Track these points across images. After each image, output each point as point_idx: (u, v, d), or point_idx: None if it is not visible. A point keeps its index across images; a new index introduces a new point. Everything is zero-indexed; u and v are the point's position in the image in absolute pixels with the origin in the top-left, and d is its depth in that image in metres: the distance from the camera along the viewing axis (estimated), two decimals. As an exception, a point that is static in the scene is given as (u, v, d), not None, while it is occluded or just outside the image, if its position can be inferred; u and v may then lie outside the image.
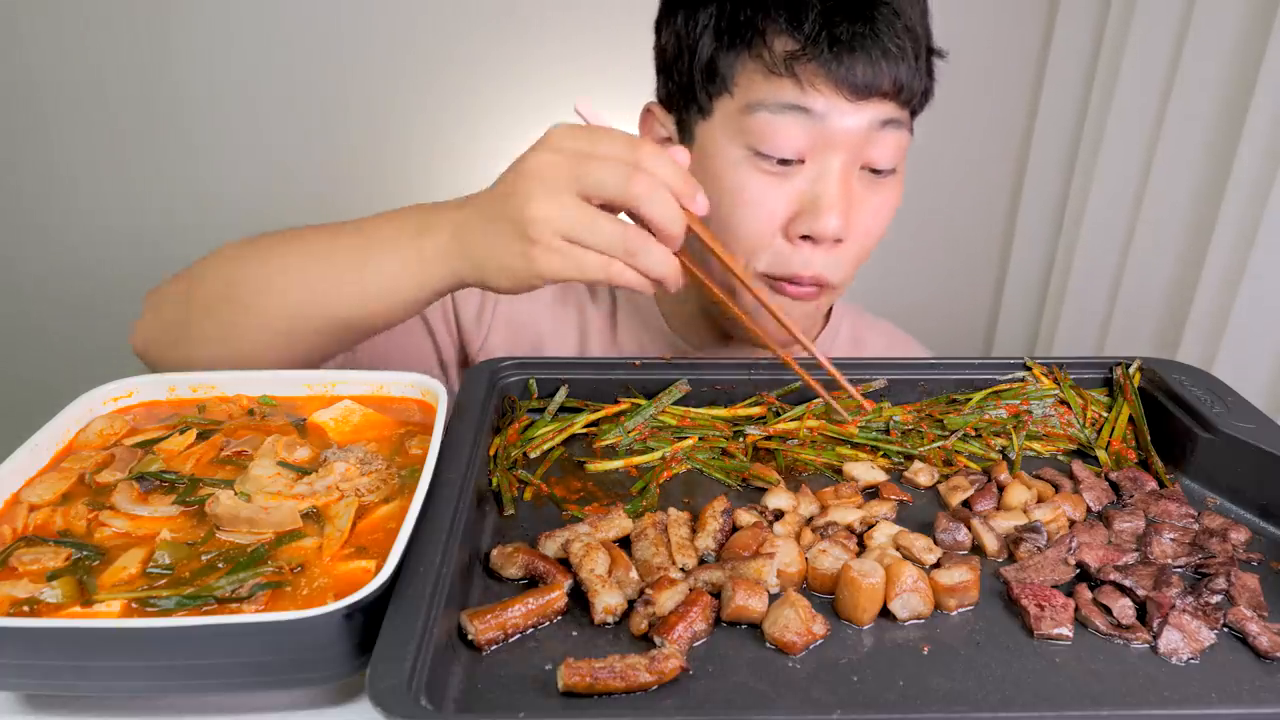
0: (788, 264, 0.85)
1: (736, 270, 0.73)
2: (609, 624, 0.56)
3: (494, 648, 0.54)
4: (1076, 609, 0.57)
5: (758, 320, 0.80)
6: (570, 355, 1.03)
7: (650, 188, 0.65)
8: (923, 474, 0.73)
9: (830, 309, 1.08)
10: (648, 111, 0.94)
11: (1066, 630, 0.55)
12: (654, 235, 0.67)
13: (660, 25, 0.90)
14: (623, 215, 0.69)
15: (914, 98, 0.83)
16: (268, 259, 0.79)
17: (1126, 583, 0.59)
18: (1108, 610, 0.57)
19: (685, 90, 0.87)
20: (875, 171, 0.84)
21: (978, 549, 0.64)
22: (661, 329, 1.03)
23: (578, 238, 0.66)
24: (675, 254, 0.69)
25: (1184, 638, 0.54)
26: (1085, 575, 0.61)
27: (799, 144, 0.81)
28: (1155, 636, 0.55)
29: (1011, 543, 0.64)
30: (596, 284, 0.72)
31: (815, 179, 0.82)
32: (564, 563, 0.60)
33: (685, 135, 0.90)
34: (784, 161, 0.82)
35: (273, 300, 0.78)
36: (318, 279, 0.77)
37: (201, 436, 0.69)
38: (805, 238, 0.83)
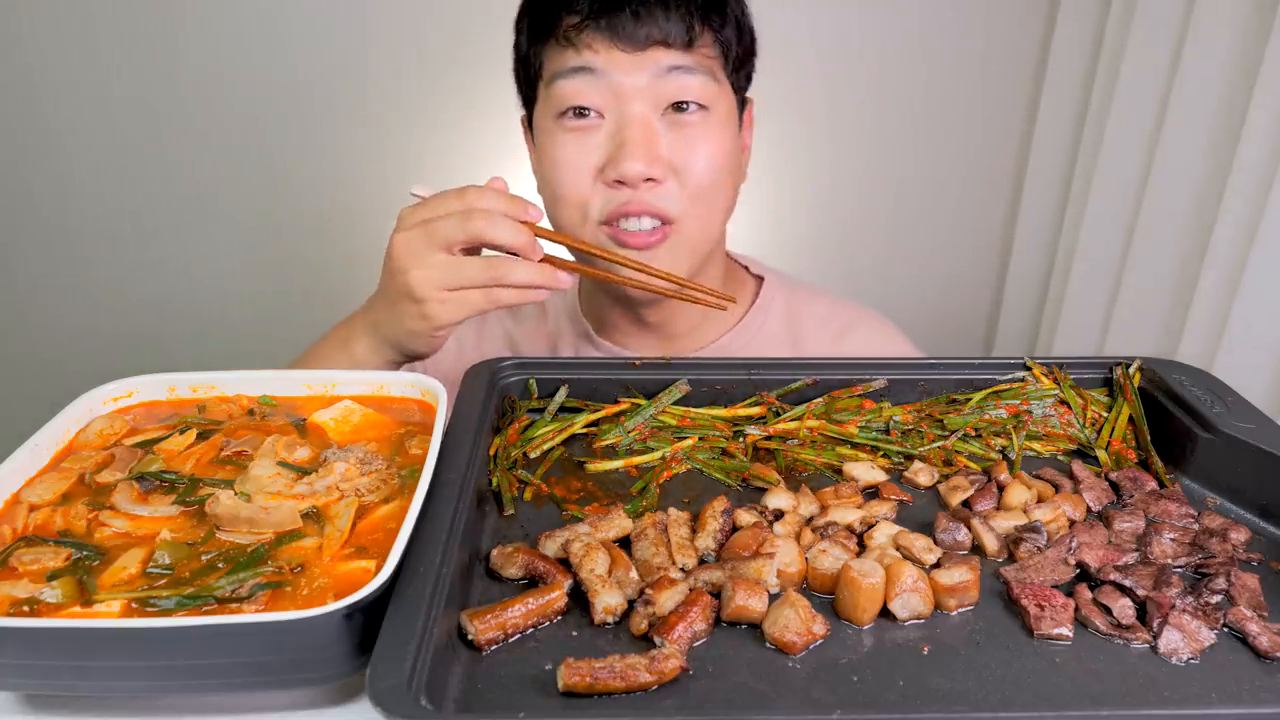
0: (613, 202, 0.90)
1: (585, 241, 0.87)
2: (609, 624, 0.56)
3: (494, 648, 0.54)
4: (1076, 609, 0.57)
5: (619, 271, 0.89)
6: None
7: (485, 219, 0.77)
8: (923, 474, 0.73)
9: (760, 285, 1.10)
10: (524, 126, 1.03)
11: (1066, 630, 0.55)
12: (516, 254, 0.79)
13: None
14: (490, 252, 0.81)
15: (695, 41, 0.88)
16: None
17: (1126, 583, 0.59)
18: (1108, 610, 0.57)
19: (524, 88, 0.98)
20: (680, 110, 0.90)
21: (978, 549, 0.64)
22: (588, 333, 1.09)
23: (454, 284, 0.78)
24: (548, 260, 0.80)
25: (1184, 638, 0.54)
26: (1085, 575, 0.61)
27: (590, 99, 0.89)
28: (1155, 636, 0.55)
29: (1011, 543, 0.64)
30: (486, 313, 0.83)
31: (615, 130, 0.89)
32: (564, 563, 0.60)
33: (531, 130, 1.00)
34: (580, 114, 0.90)
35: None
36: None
37: (201, 436, 0.69)
38: (619, 182, 0.89)
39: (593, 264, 0.89)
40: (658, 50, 0.87)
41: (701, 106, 0.90)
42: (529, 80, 0.96)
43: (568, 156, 0.91)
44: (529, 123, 1.00)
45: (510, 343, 1.12)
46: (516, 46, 0.97)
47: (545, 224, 0.84)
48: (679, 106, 0.90)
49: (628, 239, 0.91)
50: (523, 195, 0.81)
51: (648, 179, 0.88)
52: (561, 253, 0.87)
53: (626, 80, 0.88)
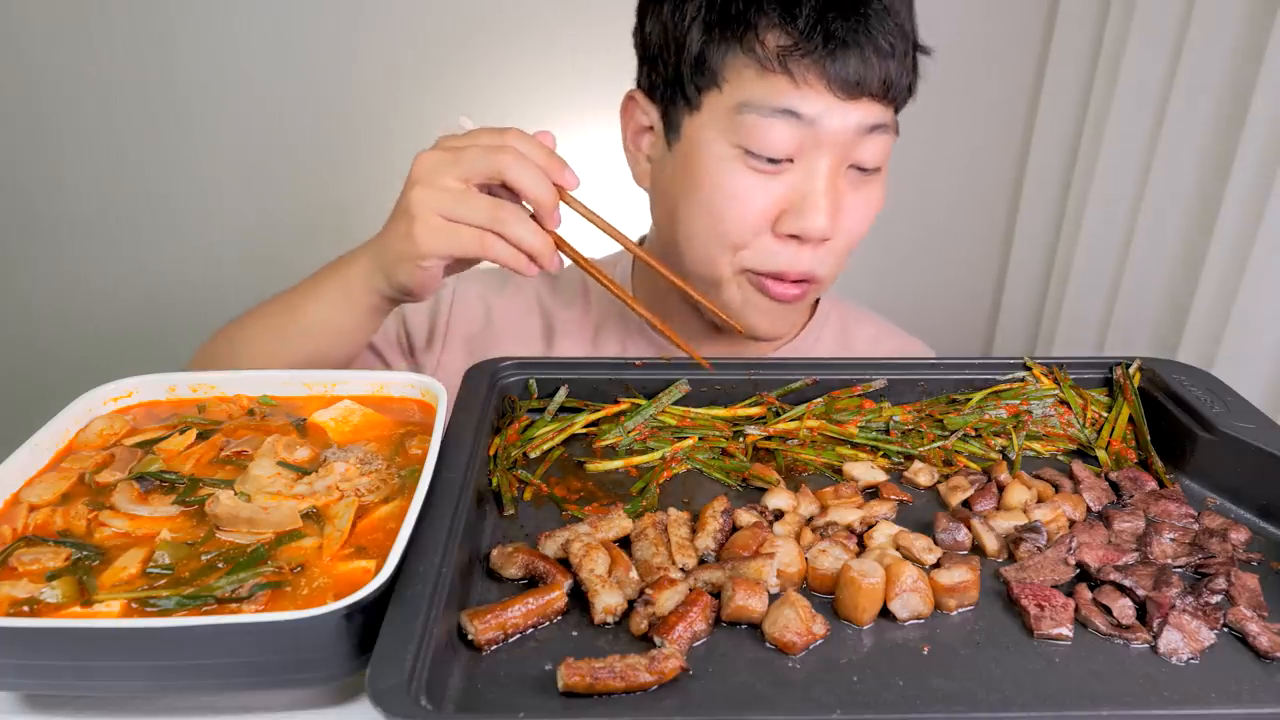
0: (775, 260, 0.86)
1: (626, 244, 0.80)
2: (609, 624, 0.56)
3: (494, 648, 0.54)
4: (1076, 609, 0.57)
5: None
6: (535, 352, 1.04)
7: (515, 158, 0.72)
8: (923, 474, 0.73)
9: (816, 302, 1.08)
10: (630, 99, 0.94)
11: (1066, 630, 0.55)
12: (533, 211, 0.74)
13: (644, 12, 0.90)
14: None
15: (900, 95, 0.84)
16: (246, 339, 0.88)
17: (1126, 583, 0.59)
18: (1108, 610, 0.57)
19: (671, 83, 0.87)
20: (861, 170, 0.85)
21: (978, 549, 0.64)
22: (640, 326, 1.02)
23: (453, 214, 0.73)
24: (551, 234, 0.75)
25: (1184, 638, 0.54)
26: (1085, 575, 0.61)
27: (789, 146, 0.82)
28: (1155, 636, 0.55)
29: (1011, 543, 0.64)
30: (472, 256, 0.76)
31: (803, 178, 0.83)
32: (564, 563, 0.60)
33: (670, 126, 0.90)
34: (773, 161, 0.83)
35: (281, 351, 0.85)
36: (283, 336, 0.85)
37: (201, 436, 0.69)
38: (793, 236, 0.84)
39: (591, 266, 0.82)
40: (867, 102, 0.81)
41: (878, 168, 0.86)
42: (688, 74, 0.85)
43: (746, 196, 0.83)
44: (663, 109, 0.90)
45: (545, 321, 1.05)
46: (672, 29, 0.85)
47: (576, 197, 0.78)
48: (861, 168, 0.85)
49: (771, 289, 0.87)
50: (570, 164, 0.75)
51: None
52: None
53: (831, 131, 0.81)
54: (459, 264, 0.79)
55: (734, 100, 0.82)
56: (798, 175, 0.83)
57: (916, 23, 0.87)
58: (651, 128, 0.93)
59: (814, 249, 0.85)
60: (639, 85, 0.93)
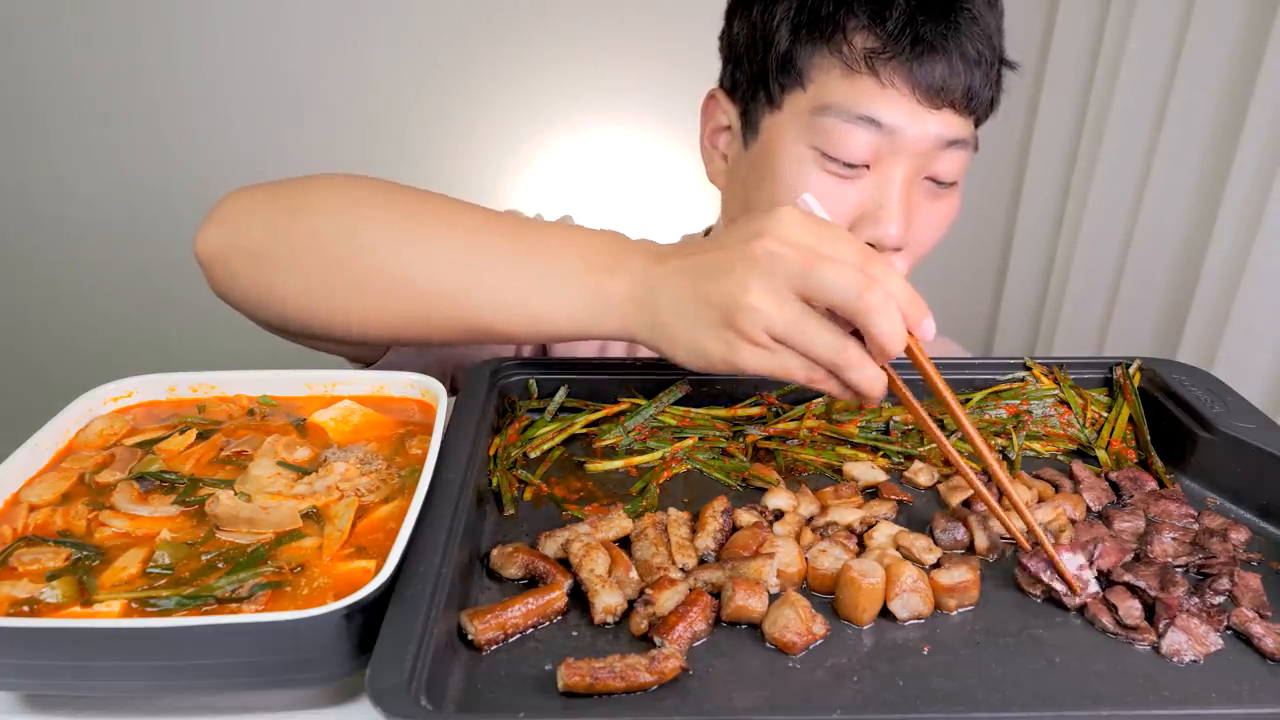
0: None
1: (956, 412, 0.63)
2: (609, 624, 0.56)
3: (494, 648, 0.54)
4: (1085, 606, 0.57)
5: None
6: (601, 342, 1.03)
7: (884, 301, 0.58)
8: (923, 474, 0.73)
9: None
10: (711, 98, 0.94)
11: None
12: (870, 350, 0.61)
13: (733, 14, 0.90)
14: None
15: (981, 107, 0.83)
16: (408, 235, 0.70)
17: (1139, 584, 0.59)
18: (1114, 610, 0.57)
19: (755, 80, 0.86)
20: (938, 183, 0.84)
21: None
22: None
23: (789, 339, 0.61)
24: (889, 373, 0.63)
25: (1189, 639, 0.54)
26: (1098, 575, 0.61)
27: (866, 152, 0.80)
28: (1160, 637, 0.55)
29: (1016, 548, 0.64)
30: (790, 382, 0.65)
31: (879, 186, 0.82)
32: (564, 563, 0.60)
33: (748, 125, 0.89)
34: (850, 165, 0.81)
35: (398, 283, 0.70)
36: (469, 280, 0.69)
37: (201, 436, 0.69)
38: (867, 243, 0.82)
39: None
40: (948, 113, 0.80)
41: (954, 183, 0.85)
42: (773, 72, 0.83)
43: (822, 199, 0.77)
44: (743, 107, 0.88)
45: None
46: (760, 28, 0.84)
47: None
48: (938, 180, 0.83)
49: None
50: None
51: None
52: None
53: (911, 140, 0.79)
54: None
55: (817, 101, 0.81)
56: (873, 182, 0.82)
57: (1004, 38, 0.85)
58: (729, 127, 0.93)
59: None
60: (720, 85, 0.94)
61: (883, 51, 0.78)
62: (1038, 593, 0.59)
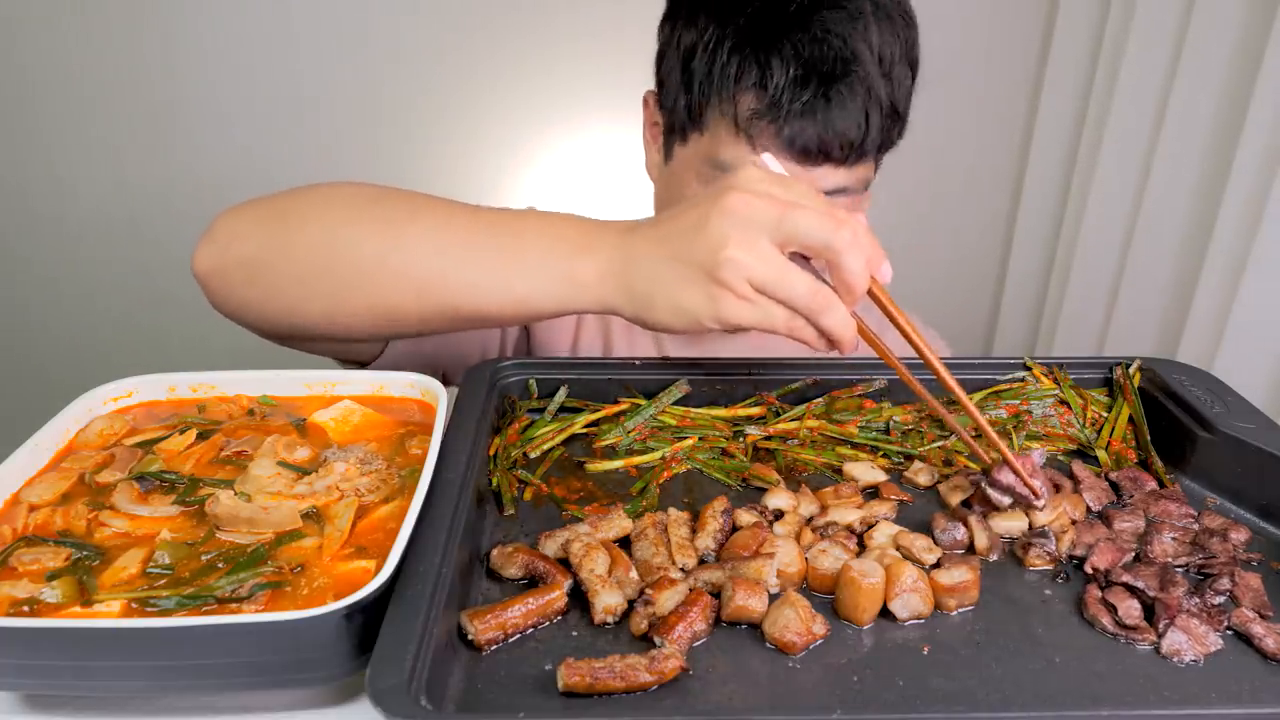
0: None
1: (917, 342, 0.67)
2: (609, 624, 0.56)
3: (494, 648, 0.54)
4: (1084, 608, 0.57)
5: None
6: (595, 336, 1.05)
7: (854, 239, 0.61)
8: (923, 474, 0.73)
9: None
10: (645, 103, 0.97)
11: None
12: (838, 291, 0.64)
13: (662, 40, 0.92)
14: None
15: (867, 155, 0.85)
16: (389, 231, 0.72)
17: (1138, 584, 0.59)
18: (1114, 610, 0.57)
19: (670, 109, 0.90)
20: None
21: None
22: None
23: (766, 288, 0.63)
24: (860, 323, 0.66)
25: (1189, 640, 0.54)
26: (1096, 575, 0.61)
27: None
28: (1160, 637, 0.55)
29: (1020, 548, 0.64)
30: (771, 333, 0.67)
31: None
32: (564, 563, 0.60)
33: (667, 144, 0.93)
34: None
35: (384, 276, 0.72)
36: (451, 268, 0.71)
37: (201, 436, 0.69)
38: None
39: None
40: (827, 168, 0.82)
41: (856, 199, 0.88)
42: (687, 111, 0.86)
43: None
44: (666, 129, 0.92)
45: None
46: (679, 66, 0.86)
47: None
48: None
49: None
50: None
51: None
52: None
53: None
54: None
55: (710, 152, 0.85)
56: None
57: (907, 82, 0.86)
58: (657, 124, 0.96)
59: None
60: (656, 90, 0.96)
61: (763, 115, 0.80)
62: (1008, 502, 0.65)
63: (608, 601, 0.56)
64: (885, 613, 0.57)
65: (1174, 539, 0.64)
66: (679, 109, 0.88)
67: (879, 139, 0.84)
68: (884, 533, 0.64)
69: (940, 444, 0.76)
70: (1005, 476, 0.65)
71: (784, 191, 0.63)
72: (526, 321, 0.77)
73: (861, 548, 0.64)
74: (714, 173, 0.84)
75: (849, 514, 0.66)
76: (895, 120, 0.86)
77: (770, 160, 0.68)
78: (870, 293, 0.65)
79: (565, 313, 0.71)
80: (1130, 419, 0.78)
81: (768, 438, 0.77)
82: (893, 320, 0.66)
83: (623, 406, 0.79)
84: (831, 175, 0.83)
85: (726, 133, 0.83)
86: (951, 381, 0.67)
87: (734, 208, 0.62)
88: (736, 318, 0.64)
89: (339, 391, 0.75)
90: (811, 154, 0.81)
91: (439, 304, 0.72)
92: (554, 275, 0.69)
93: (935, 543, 0.64)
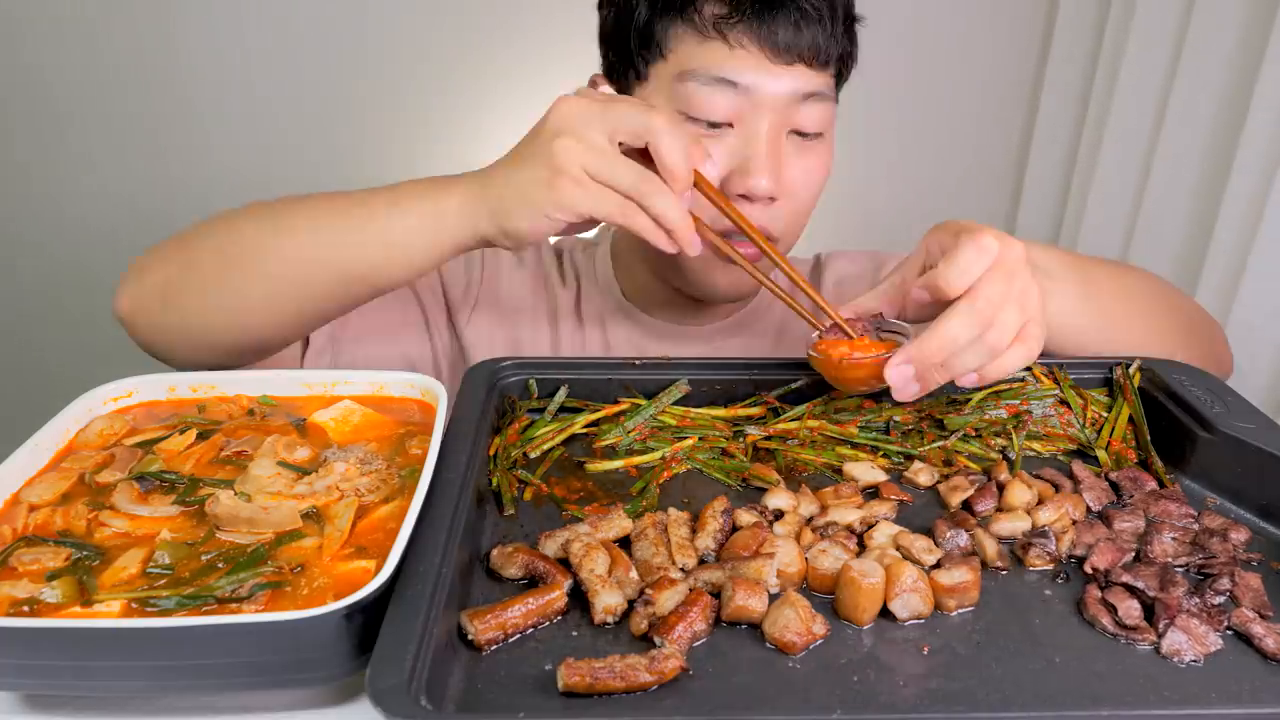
0: (726, 219, 0.87)
1: (745, 227, 0.77)
2: (609, 624, 0.56)
3: (494, 648, 0.54)
4: (1084, 608, 0.57)
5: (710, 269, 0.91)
6: (543, 331, 1.07)
7: (669, 124, 0.70)
8: (923, 474, 0.73)
9: None
10: (592, 83, 0.99)
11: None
12: (665, 179, 0.71)
13: (601, 4, 0.96)
14: None
15: (832, 61, 0.88)
16: (276, 222, 0.81)
17: (1138, 584, 0.59)
18: (1114, 610, 0.57)
19: (624, 59, 0.92)
20: (802, 135, 0.89)
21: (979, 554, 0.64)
22: (619, 300, 1.07)
23: (599, 174, 0.70)
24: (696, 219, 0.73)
25: (1190, 640, 0.54)
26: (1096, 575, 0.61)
27: (726, 111, 0.86)
28: (1160, 637, 0.55)
29: (1020, 548, 0.64)
30: (609, 222, 0.73)
31: (745, 141, 0.87)
32: (564, 563, 0.60)
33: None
34: (713, 124, 0.87)
35: (274, 258, 0.79)
36: (329, 234, 0.79)
37: (201, 436, 0.69)
38: (741, 196, 0.88)
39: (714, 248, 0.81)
40: (801, 68, 0.85)
41: (819, 134, 0.90)
42: (635, 48, 0.90)
43: None
44: (617, 86, 0.96)
45: (550, 304, 1.08)
46: (622, 7, 0.91)
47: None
48: (802, 133, 0.89)
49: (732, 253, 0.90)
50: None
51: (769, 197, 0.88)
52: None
53: (768, 95, 0.85)
54: (576, 227, 0.78)
55: (676, 69, 0.87)
56: (739, 139, 0.87)
57: None
58: None
59: (764, 206, 0.89)
60: (602, 71, 0.99)
61: (730, 16, 0.84)
62: (838, 350, 0.72)
63: (608, 601, 0.56)
64: (885, 613, 0.57)
65: (1174, 539, 0.64)
66: (633, 49, 0.90)
67: (846, 42, 0.89)
68: (884, 533, 0.64)
69: (940, 444, 0.76)
70: (831, 333, 0.75)
71: (608, 97, 0.73)
72: (413, 273, 0.81)
73: (861, 548, 0.64)
74: (681, 87, 0.86)
75: (849, 514, 0.66)
76: (850, 22, 0.91)
77: (605, 85, 0.77)
78: (703, 190, 0.74)
79: (441, 251, 0.78)
80: (1130, 419, 0.78)
81: (768, 438, 0.77)
82: (725, 211, 0.77)
83: (623, 406, 0.79)
84: (806, 76, 0.86)
85: (694, 44, 0.86)
86: (786, 266, 0.78)
87: (565, 108, 0.72)
88: (573, 201, 0.71)
89: (339, 391, 0.75)
90: (783, 51, 0.84)
91: (335, 273, 0.79)
92: (423, 212, 0.77)
93: (936, 545, 0.64)
